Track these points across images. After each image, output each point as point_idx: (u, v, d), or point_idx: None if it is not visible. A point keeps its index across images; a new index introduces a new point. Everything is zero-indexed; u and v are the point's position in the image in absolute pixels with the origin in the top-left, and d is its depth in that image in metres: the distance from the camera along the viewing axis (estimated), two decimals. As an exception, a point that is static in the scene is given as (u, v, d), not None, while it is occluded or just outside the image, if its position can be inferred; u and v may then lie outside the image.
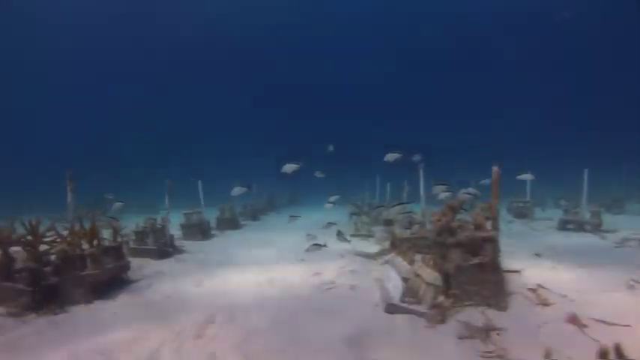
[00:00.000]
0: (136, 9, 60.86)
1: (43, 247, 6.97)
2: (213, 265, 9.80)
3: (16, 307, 6.30)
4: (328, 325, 5.56)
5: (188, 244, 12.93)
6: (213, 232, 15.81)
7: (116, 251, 7.73)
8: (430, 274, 5.67)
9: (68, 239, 6.70)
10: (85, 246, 7.11)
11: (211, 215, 16.29)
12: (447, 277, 5.87)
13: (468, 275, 5.82)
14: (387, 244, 11.95)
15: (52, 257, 6.80)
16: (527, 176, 13.22)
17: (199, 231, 14.30)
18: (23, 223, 6.96)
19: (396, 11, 65.10)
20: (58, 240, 6.88)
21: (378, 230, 14.74)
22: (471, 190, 9.22)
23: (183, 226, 14.33)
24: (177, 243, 12.21)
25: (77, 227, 7.32)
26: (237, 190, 10.23)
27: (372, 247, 11.69)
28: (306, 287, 7.62)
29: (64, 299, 6.57)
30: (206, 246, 12.98)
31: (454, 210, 6.26)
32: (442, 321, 5.30)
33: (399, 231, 10.82)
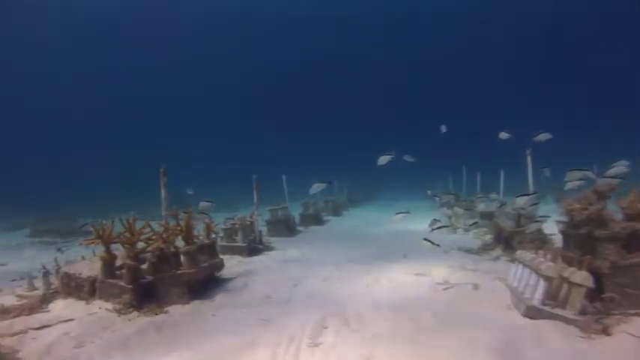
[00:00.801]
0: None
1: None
2: (309, 263, 9.34)
3: (120, 304, 6.22)
4: (464, 333, 4.72)
5: (275, 241, 12.67)
6: (297, 227, 15.53)
7: (210, 249, 7.47)
8: (577, 273, 4.63)
9: (163, 236, 6.49)
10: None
11: (292, 211, 15.94)
12: (597, 278, 4.78)
13: (628, 276, 4.70)
14: (487, 238, 10.86)
15: (147, 255, 6.67)
16: None
17: (286, 227, 14.01)
18: (121, 220, 6.90)
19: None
20: (154, 237, 6.72)
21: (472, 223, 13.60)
22: (614, 171, 7.65)
23: (269, 223, 14.12)
24: (264, 239, 11.97)
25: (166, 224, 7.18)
26: (316, 187, 9.64)
27: (472, 242, 10.66)
28: (419, 287, 6.87)
29: (161, 298, 6.38)
30: (294, 242, 12.62)
31: (603, 196, 5.12)
32: (606, 332, 4.24)
33: (506, 224, 9.67)
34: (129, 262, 6.14)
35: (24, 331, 5.49)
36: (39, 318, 6.02)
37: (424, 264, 8.48)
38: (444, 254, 9.52)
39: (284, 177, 14.58)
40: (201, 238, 7.55)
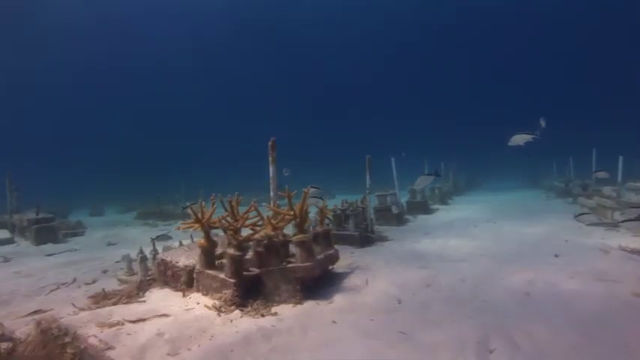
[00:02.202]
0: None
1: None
2: (432, 257, 7.78)
3: (220, 300, 5.19)
4: None
5: (385, 230, 11.24)
6: (405, 216, 13.96)
7: (324, 238, 6.20)
8: None
9: (272, 222, 5.30)
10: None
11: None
12: None
13: None
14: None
15: (250, 243, 5.56)
16: None
17: (394, 215, 12.49)
18: (222, 202, 5.89)
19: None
20: (260, 223, 5.58)
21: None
22: None
23: (376, 210, 12.68)
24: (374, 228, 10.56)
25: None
26: (423, 180, 7.94)
27: (629, 240, 8.30)
28: (595, 295, 5.06)
29: (268, 296, 5.24)
30: (407, 232, 11.06)
31: None
32: None
33: None
34: (232, 251, 5.03)
35: (121, 323, 4.73)
36: (135, 309, 5.22)
37: (583, 264, 6.56)
38: (604, 255, 7.39)
39: (393, 159, 12.99)
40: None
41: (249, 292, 5.26)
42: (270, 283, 5.20)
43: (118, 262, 8.23)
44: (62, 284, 6.94)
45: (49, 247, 11.80)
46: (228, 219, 5.51)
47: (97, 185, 37.50)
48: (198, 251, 5.63)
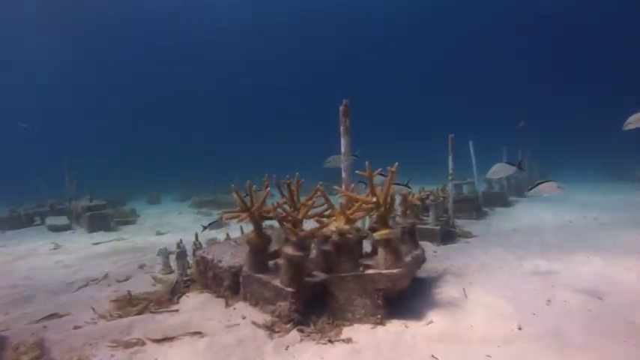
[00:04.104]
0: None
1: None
2: (535, 260, 6.02)
3: (272, 314, 3.84)
4: None
5: (465, 224, 9.54)
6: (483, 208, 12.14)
7: (409, 234, 4.69)
8: None
9: (346, 212, 3.84)
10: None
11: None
12: None
13: None
14: None
15: (314, 240, 4.16)
16: None
17: (473, 207, 10.74)
18: (278, 186, 4.54)
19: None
20: (328, 213, 4.16)
21: None
22: None
23: (454, 200, 10.99)
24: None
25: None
26: (499, 169, 6.05)
27: None
28: None
29: (337, 311, 3.83)
30: (490, 227, 9.35)
31: None
32: None
33: None
34: (290, 250, 3.64)
35: (140, 343, 3.52)
36: (162, 321, 4.00)
37: None
38: None
39: (471, 143, 11.16)
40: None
41: (312, 305, 3.88)
42: (341, 295, 3.78)
43: (158, 255, 7.24)
44: (92, 280, 5.99)
45: (100, 234, 11.42)
46: (286, 207, 4.14)
47: (158, 173, 38.05)
48: (246, 248, 4.32)
